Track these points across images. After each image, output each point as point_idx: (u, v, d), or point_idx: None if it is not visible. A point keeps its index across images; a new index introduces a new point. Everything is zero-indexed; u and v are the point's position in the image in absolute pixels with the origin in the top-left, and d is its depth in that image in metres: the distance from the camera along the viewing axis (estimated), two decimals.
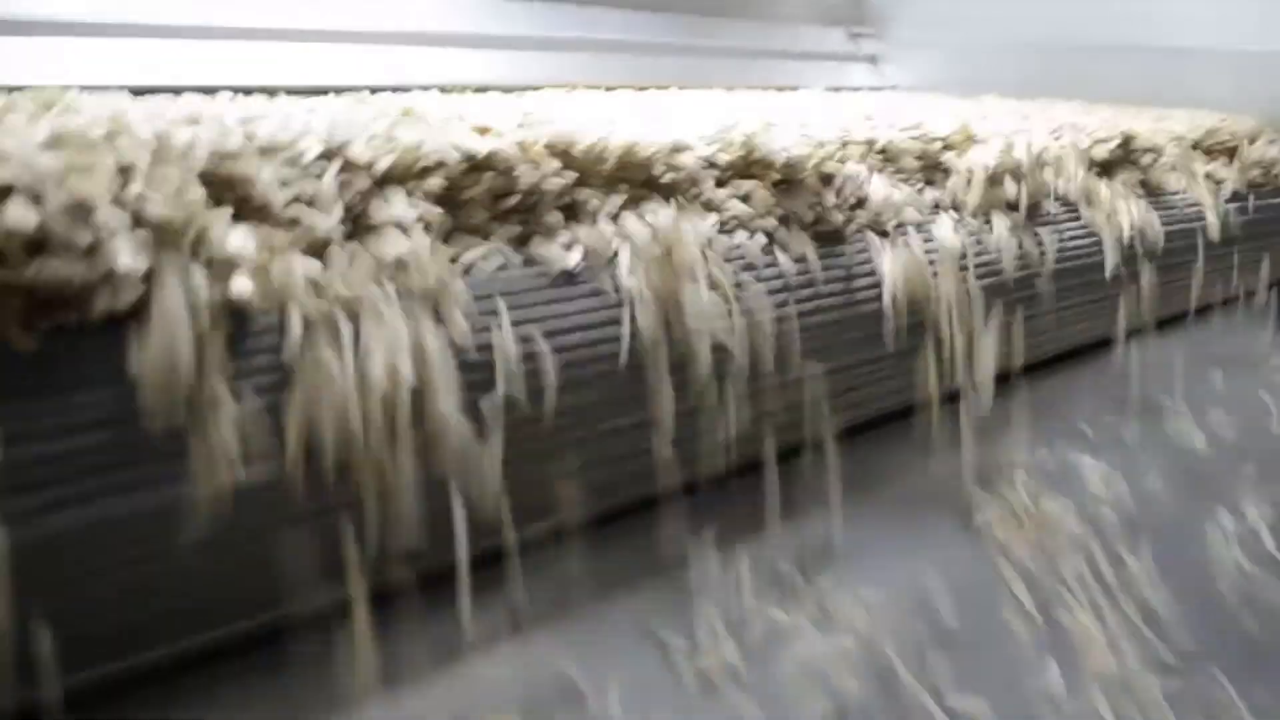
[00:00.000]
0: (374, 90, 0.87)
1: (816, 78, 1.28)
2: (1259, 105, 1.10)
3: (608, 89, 1.00)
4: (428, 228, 0.45)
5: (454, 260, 0.45)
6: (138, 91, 0.75)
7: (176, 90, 0.79)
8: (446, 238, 0.46)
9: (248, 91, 0.81)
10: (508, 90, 0.95)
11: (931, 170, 0.70)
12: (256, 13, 0.92)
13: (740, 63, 1.24)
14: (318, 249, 0.41)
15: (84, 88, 0.71)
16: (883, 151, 0.67)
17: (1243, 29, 1.15)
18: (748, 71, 1.23)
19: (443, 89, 0.92)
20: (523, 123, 0.55)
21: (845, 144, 0.64)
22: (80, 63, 0.82)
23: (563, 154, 0.51)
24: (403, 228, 0.44)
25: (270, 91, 0.82)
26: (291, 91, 0.83)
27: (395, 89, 0.89)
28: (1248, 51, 1.13)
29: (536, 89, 0.95)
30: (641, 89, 1.02)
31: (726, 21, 1.26)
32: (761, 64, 1.25)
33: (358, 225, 0.43)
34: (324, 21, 0.95)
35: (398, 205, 0.44)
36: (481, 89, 0.93)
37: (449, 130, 0.50)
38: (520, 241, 0.49)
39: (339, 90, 0.87)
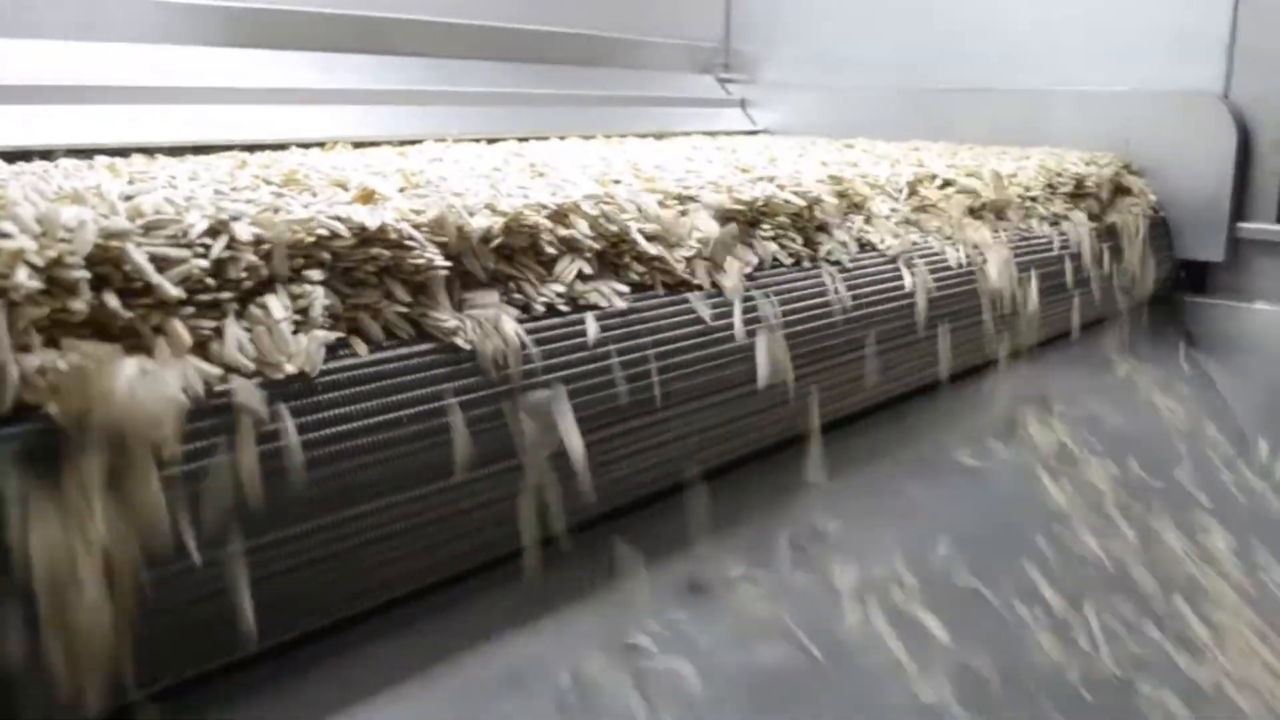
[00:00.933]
0: (252, 148, 0.85)
1: (690, 123, 1.28)
2: (1108, 141, 1.13)
3: (489, 140, 0.99)
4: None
5: None
6: (11, 155, 0.73)
7: (49, 152, 0.76)
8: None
9: (125, 152, 0.78)
10: (389, 144, 0.93)
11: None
12: (134, 72, 0.89)
13: (617, 110, 1.23)
14: None
15: None
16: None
17: (1092, 72, 1.19)
18: (625, 119, 1.22)
19: (321, 145, 0.90)
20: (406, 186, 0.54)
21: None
22: None
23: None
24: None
25: (149, 151, 0.79)
26: (171, 150, 0.81)
27: (275, 146, 0.87)
28: (1097, 93, 1.17)
29: (417, 142, 0.93)
30: (522, 139, 1.02)
31: (603, 71, 1.26)
32: (637, 111, 1.25)
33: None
34: (203, 80, 0.92)
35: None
36: (361, 144, 0.92)
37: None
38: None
39: (218, 148, 0.84)
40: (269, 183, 0.53)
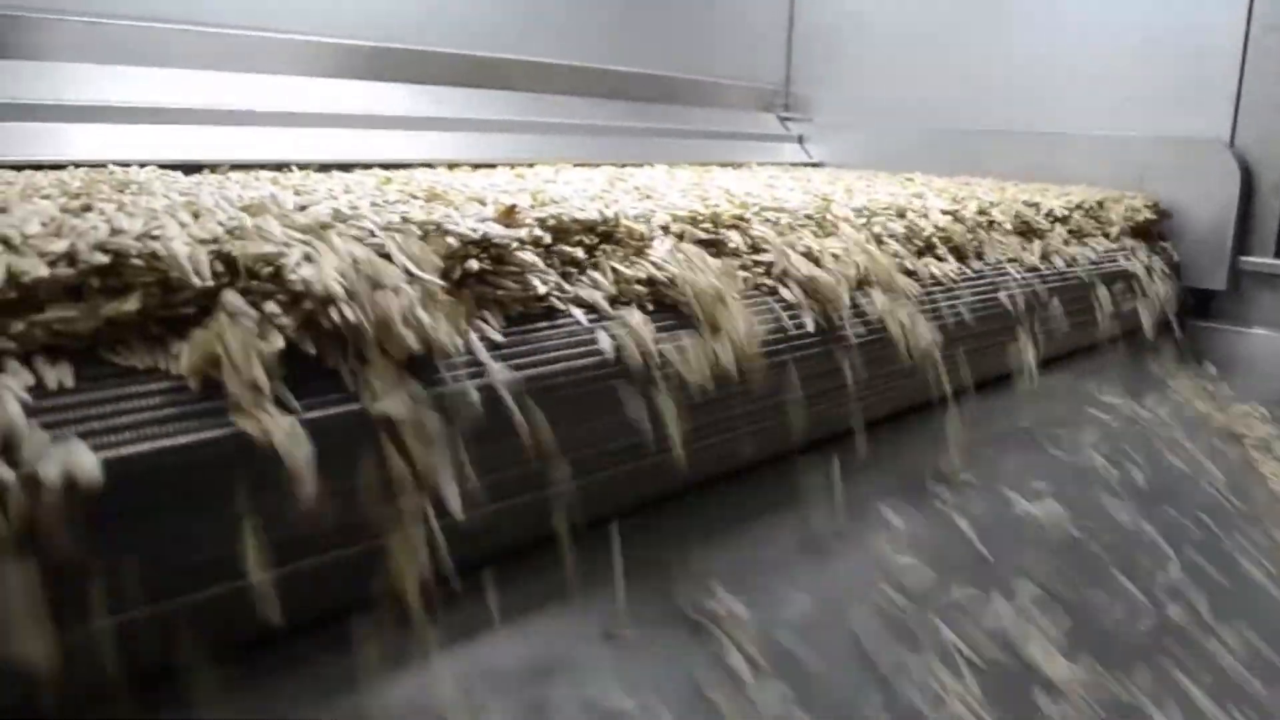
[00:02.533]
0: (387, 166, 0.86)
1: (754, 155, 1.28)
2: (1123, 180, 1.12)
3: (576, 165, 1.00)
4: None
5: None
6: (186, 168, 0.74)
7: (214, 166, 0.77)
8: None
9: (280, 168, 0.80)
10: (514, 165, 0.95)
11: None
12: (285, 100, 0.90)
13: (690, 143, 1.24)
14: None
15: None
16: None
17: (1110, 118, 1.17)
18: (696, 150, 1.23)
19: (450, 165, 0.91)
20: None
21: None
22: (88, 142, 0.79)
23: None
24: None
25: (286, 167, 0.81)
26: (321, 168, 0.82)
27: (401, 165, 0.88)
28: (1114, 136, 1.16)
29: (531, 165, 0.94)
30: (596, 165, 1.02)
31: (678, 108, 1.26)
32: (708, 143, 1.26)
33: None
34: (344, 107, 0.94)
35: None
36: (479, 165, 0.93)
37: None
38: None
39: (353, 167, 0.86)
40: (415, 197, 0.54)
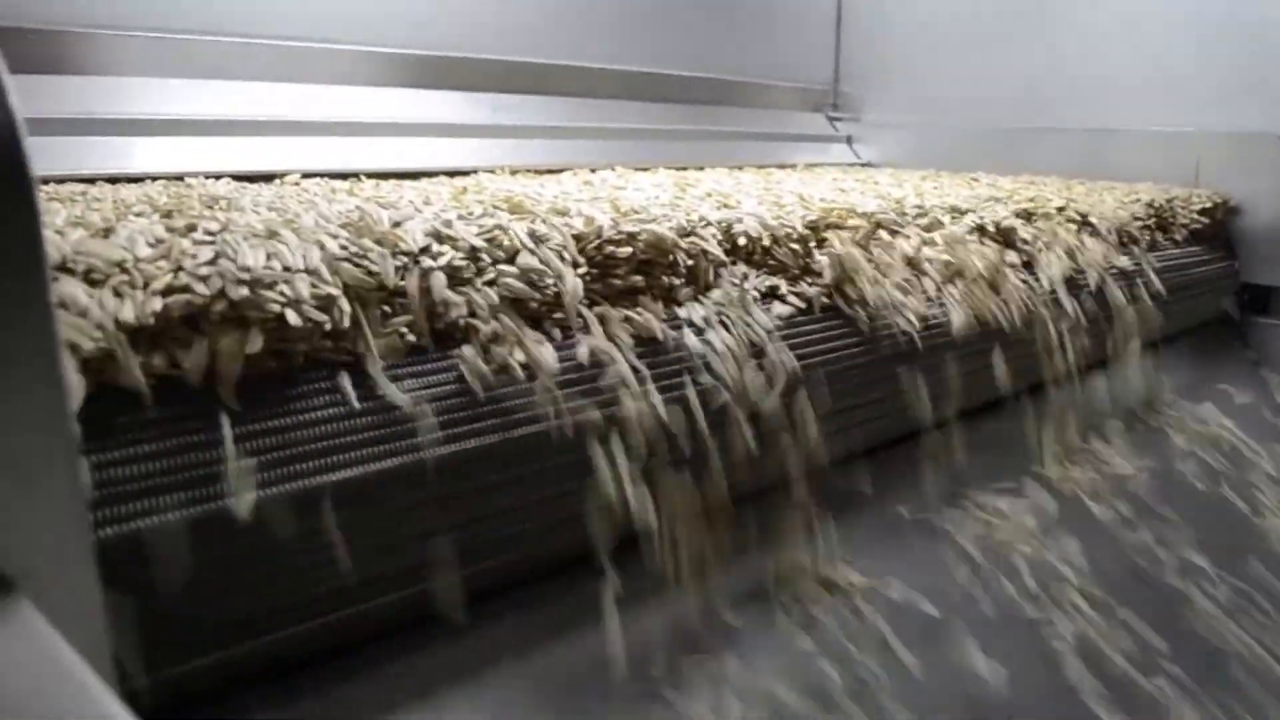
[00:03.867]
0: (451, 174, 0.86)
1: (804, 155, 1.27)
2: (1177, 176, 1.10)
3: (642, 168, 0.99)
4: None
5: None
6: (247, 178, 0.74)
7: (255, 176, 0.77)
8: None
9: (343, 176, 0.80)
10: (567, 169, 0.94)
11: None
12: (338, 109, 0.90)
13: (742, 144, 1.23)
14: None
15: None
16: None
17: (1163, 113, 1.15)
18: (749, 151, 1.22)
19: (512, 171, 0.91)
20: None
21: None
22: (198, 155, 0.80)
23: None
24: None
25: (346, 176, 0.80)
26: (380, 176, 0.82)
27: (459, 172, 0.88)
28: (1167, 132, 1.14)
29: (592, 170, 0.94)
30: (672, 168, 1.01)
31: (729, 109, 1.25)
32: (760, 145, 1.25)
33: None
34: (401, 115, 0.94)
35: None
36: (546, 170, 0.92)
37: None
38: None
39: (414, 175, 0.85)
40: (497, 208, 0.53)
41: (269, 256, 0.37)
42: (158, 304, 0.33)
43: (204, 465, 0.33)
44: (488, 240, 0.43)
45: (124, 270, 0.34)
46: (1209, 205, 1.01)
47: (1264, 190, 1.08)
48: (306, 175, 0.79)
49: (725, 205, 0.59)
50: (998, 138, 1.24)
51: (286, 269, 0.36)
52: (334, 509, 0.36)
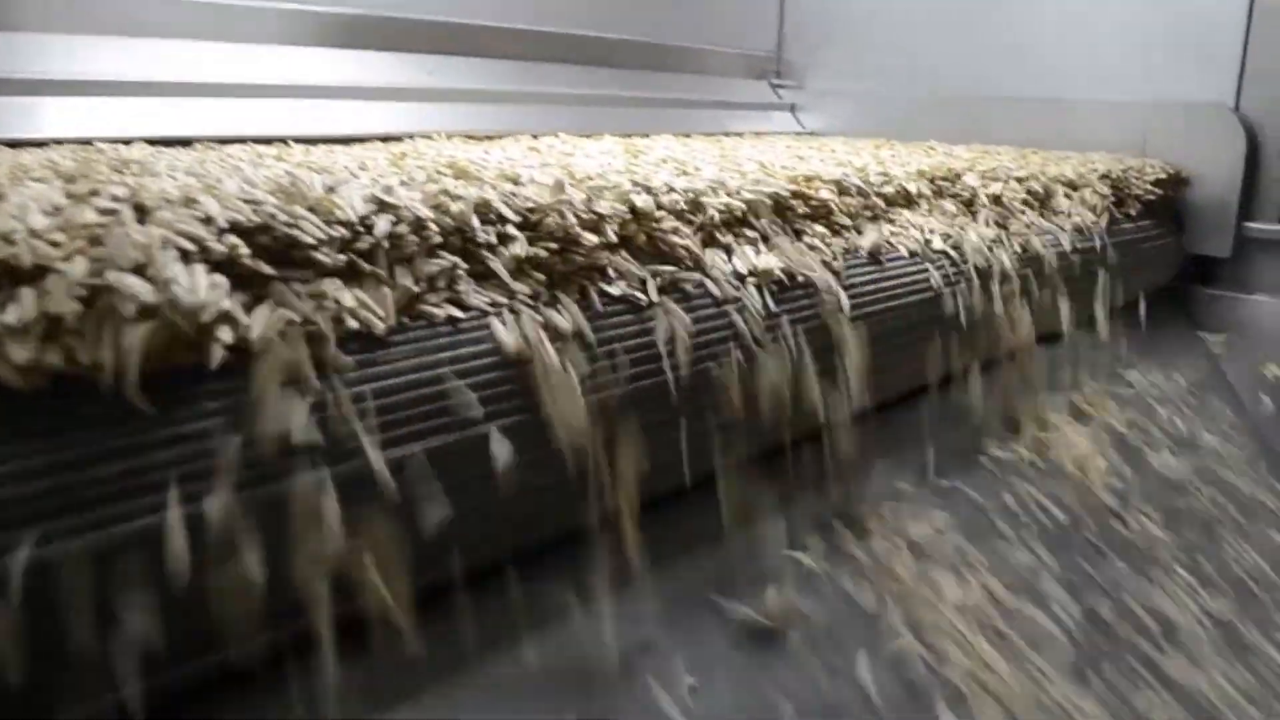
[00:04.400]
0: (386, 139, 0.80)
1: (746, 124, 1.23)
2: (1127, 146, 1.09)
3: (581, 136, 0.95)
4: None
5: None
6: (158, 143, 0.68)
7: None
8: None
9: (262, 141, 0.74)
10: (503, 136, 0.89)
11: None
12: (258, 71, 0.84)
13: (682, 112, 1.19)
14: None
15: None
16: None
17: (1114, 83, 1.14)
18: (689, 119, 1.18)
19: (429, 137, 0.85)
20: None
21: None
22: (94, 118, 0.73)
23: None
24: None
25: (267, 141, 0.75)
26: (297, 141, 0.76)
27: (386, 139, 0.83)
28: (1118, 102, 1.12)
29: (534, 136, 0.89)
30: (616, 136, 0.97)
31: (668, 76, 1.21)
32: (700, 113, 1.20)
33: None
34: (324, 79, 0.88)
35: None
36: (479, 136, 0.87)
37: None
38: None
39: (336, 140, 0.80)
40: (442, 174, 0.49)
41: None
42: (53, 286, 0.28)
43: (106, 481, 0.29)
44: (434, 208, 0.39)
45: (9, 242, 0.29)
46: (1162, 176, 0.99)
47: (1211, 161, 1.07)
48: (227, 141, 0.73)
49: (684, 173, 0.55)
50: (946, 107, 1.21)
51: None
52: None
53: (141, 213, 0.34)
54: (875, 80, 1.29)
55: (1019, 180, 0.75)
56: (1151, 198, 0.96)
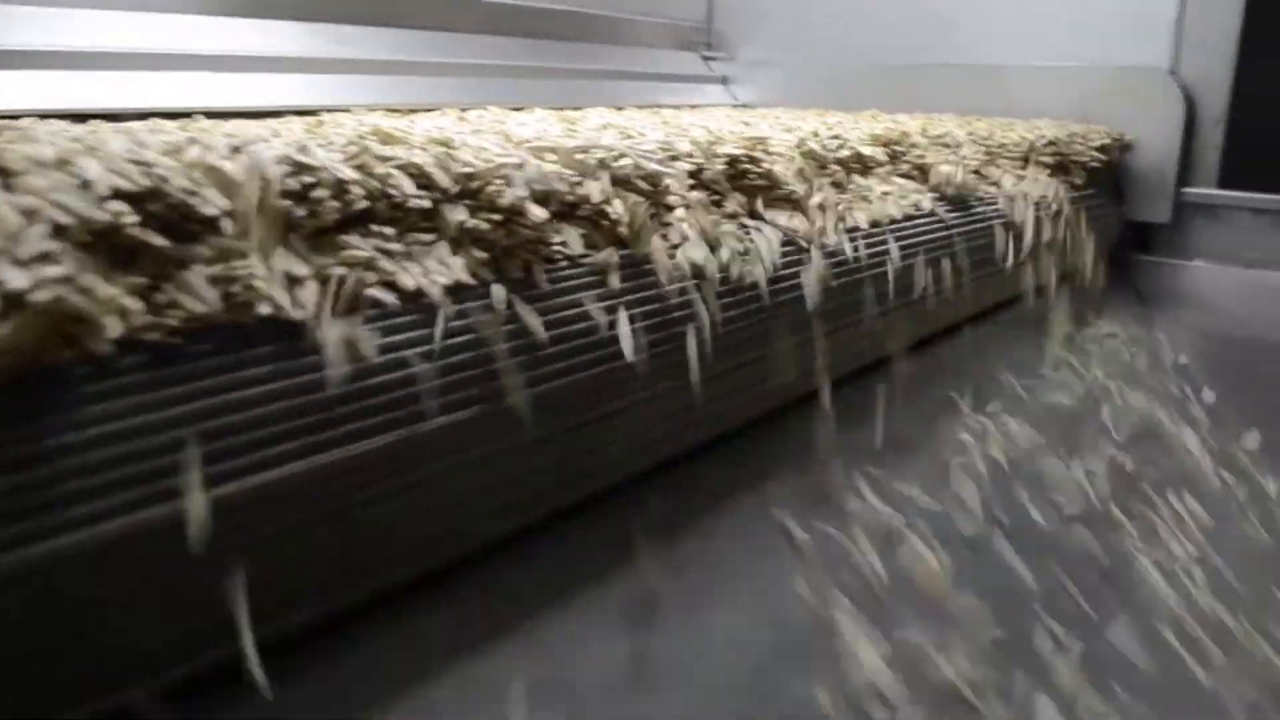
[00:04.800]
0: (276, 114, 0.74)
1: (677, 97, 1.19)
2: (1066, 113, 1.07)
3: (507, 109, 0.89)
4: None
5: None
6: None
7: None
8: None
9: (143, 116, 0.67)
10: (413, 110, 0.83)
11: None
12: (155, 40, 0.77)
13: (609, 84, 1.14)
14: None
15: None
16: None
17: (1052, 49, 1.12)
18: (616, 92, 1.13)
19: (347, 110, 0.79)
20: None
21: None
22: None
23: None
24: None
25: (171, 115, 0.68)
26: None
27: (301, 112, 0.76)
28: (1057, 68, 1.10)
29: (462, 109, 0.83)
30: (515, 108, 0.92)
31: (594, 46, 1.15)
32: (628, 85, 1.15)
33: None
34: (217, 47, 0.81)
35: None
36: (394, 110, 0.81)
37: None
38: None
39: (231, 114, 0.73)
40: (365, 139, 0.43)
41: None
42: None
43: None
44: (358, 168, 0.34)
45: None
46: (1106, 142, 0.97)
47: (1149, 127, 1.05)
48: (116, 116, 0.67)
49: (627, 137, 0.51)
50: (883, 75, 1.18)
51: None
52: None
53: (5, 177, 0.28)
54: (809, 51, 1.25)
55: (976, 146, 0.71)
56: (1096, 165, 0.94)
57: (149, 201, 0.29)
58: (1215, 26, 1.04)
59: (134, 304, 0.27)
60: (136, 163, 0.30)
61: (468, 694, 0.37)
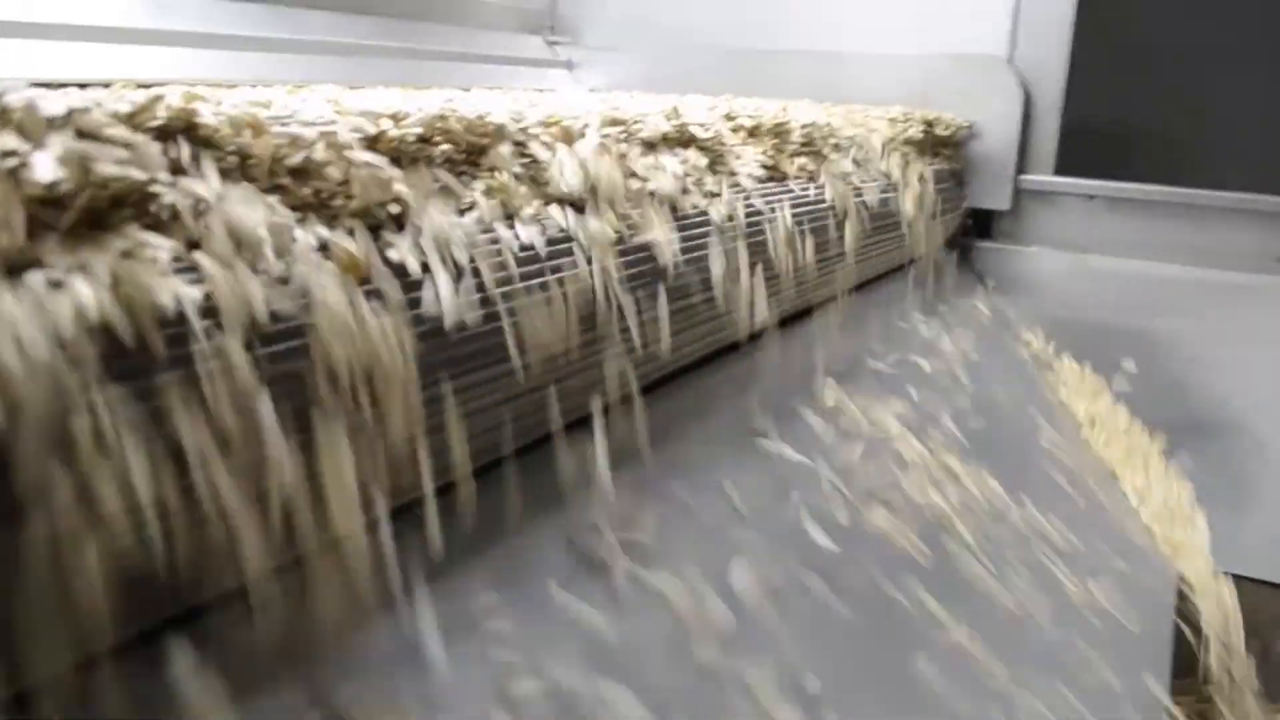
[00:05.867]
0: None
1: (519, 81, 1.13)
2: (908, 99, 1.06)
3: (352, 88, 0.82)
4: None
5: None
6: None
7: None
8: None
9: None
10: (230, 86, 0.74)
11: None
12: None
13: (445, 66, 1.07)
14: None
15: None
16: None
17: (894, 36, 1.11)
18: (454, 75, 1.06)
19: (157, 84, 0.71)
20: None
21: None
22: None
23: None
24: None
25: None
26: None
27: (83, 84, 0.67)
28: (897, 55, 1.10)
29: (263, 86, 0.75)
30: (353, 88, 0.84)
31: (431, 26, 1.08)
32: (466, 68, 1.09)
33: None
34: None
35: None
36: (196, 84, 0.73)
37: None
38: None
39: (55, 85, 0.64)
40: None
41: None
42: None
43: None
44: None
45: None
46: (952, 130, 0.97)
47: (988, 115, 1.06)
48: None
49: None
50: (730, 62, 1.15)
51: None
52: None
53: None
54: (653, 36, 1.21)
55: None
56: (946, 151, 0.94)
57: None
58: (1049, 14, 1.05)
59: None
60: None
61: None
